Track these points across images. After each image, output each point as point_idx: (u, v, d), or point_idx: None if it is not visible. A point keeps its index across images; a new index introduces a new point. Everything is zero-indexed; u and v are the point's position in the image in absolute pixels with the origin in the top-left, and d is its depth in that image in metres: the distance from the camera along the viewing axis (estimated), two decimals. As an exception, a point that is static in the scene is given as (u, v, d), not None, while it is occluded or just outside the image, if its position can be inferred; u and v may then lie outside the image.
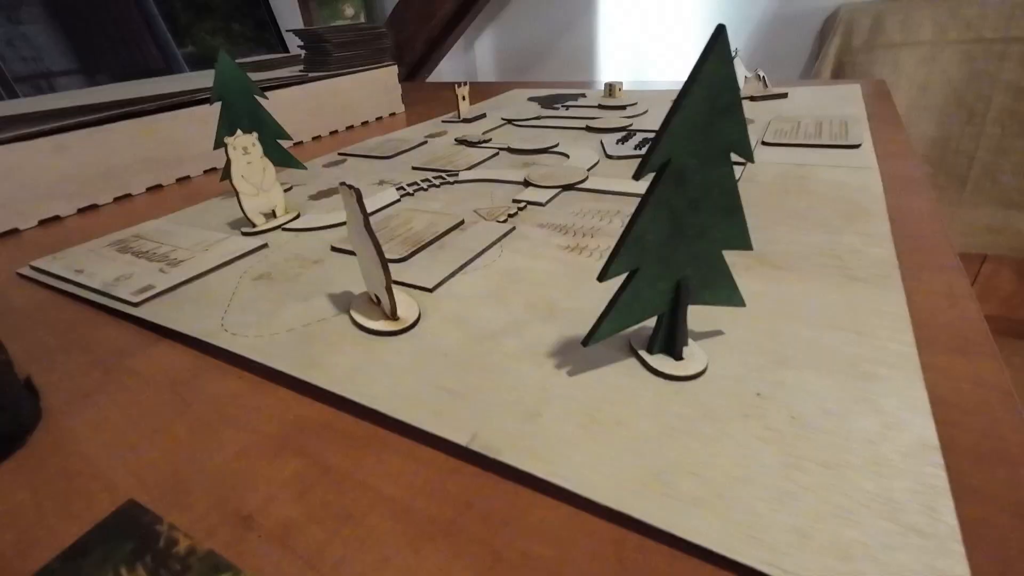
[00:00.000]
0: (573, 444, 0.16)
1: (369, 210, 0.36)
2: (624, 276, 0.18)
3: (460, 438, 0.17)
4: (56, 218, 0.44)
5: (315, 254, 0.31)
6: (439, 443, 0.17)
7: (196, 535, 0.15)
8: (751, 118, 0.53)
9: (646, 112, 0.60)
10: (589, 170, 0.41)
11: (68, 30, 1.21)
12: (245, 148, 0.34)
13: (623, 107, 0.63)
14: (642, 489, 0.15)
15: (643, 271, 0.17)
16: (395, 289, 0.25)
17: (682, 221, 0.17)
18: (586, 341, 0.18)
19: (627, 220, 0.31)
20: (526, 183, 0.39)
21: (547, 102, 0.71)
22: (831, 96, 0.58)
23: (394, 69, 0.74)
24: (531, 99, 0.75)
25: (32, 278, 0.33)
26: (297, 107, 0.62)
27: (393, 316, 0.23)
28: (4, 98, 1.09)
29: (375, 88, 0.72)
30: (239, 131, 0.34)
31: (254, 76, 0.69)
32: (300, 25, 1.33)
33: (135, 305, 0.27)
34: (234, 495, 0.16)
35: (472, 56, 1.75)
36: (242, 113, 0.40)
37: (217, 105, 0.39)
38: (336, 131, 0.67)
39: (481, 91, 0.87)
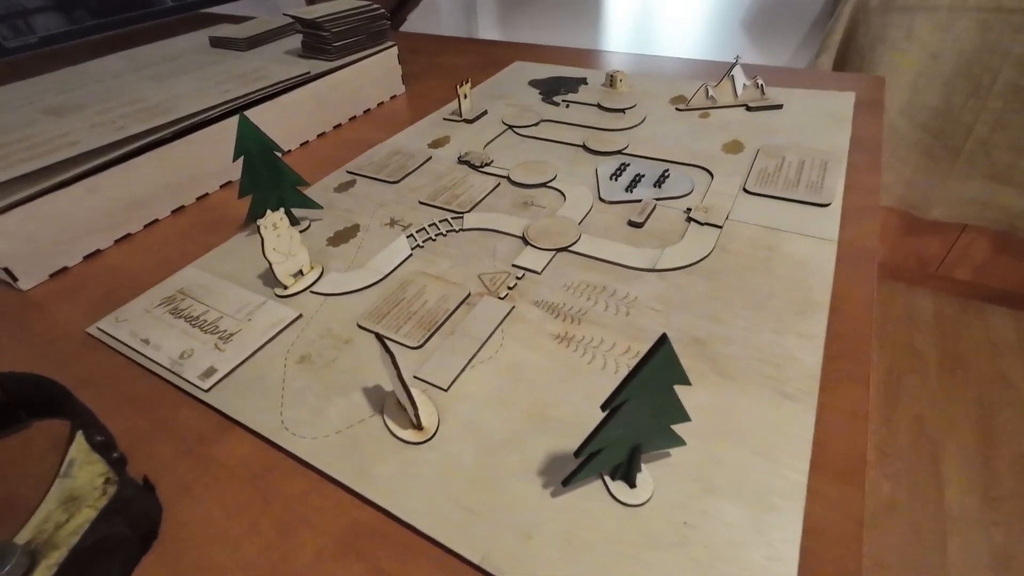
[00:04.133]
0: (556, 566, 0.24)
1: (385, 272, 0.41)
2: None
3: (475, 557, 0.24)
4: (97, 252, 0.48)
5: (344, 330, 0.37)
6: (461, 555, 0.24)
7: (302, 629, 0.22)
8: (742, 141, 0.55)
9: (643, 121, 0.61)
10: (581, 222, 0.45)
11: (39, -36, 1.13)
12: (274, 224, 0.38)
13: (622, 111, 0.64)
14: (597, 607, 0.22)
15: (606, 449, 0.23)
16: (416, 388, 0.31)
17: (636, 420, 0.23)
18: (566, 483, 0.25)
19: (610, 298, 0.36)
20: (525, 241, 0.43)
21: (548, 92, 0.72)
22: (823, 111, 0.60)
23: (394, 51, 0.73)
24: (532, 83, 0.75)
25: (101, 339, 0.38)
26: (301, 107, 0.63)
27: (418, 427, 0.29)
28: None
29: (376, 74, 0.71)
30: (268, 211, 0.37)
31: (250, 54, 0.69)
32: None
33: (206, 391, 0.33)
34: (320, 593, 0.24)
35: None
36: (261, 165, 0.44)
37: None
38: (339, 124, 0.69)
39: (482, 57, 0.85)
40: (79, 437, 0.26)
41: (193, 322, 0.38)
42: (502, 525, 0.25)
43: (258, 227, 0.37)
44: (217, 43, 0.77)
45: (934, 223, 1.16)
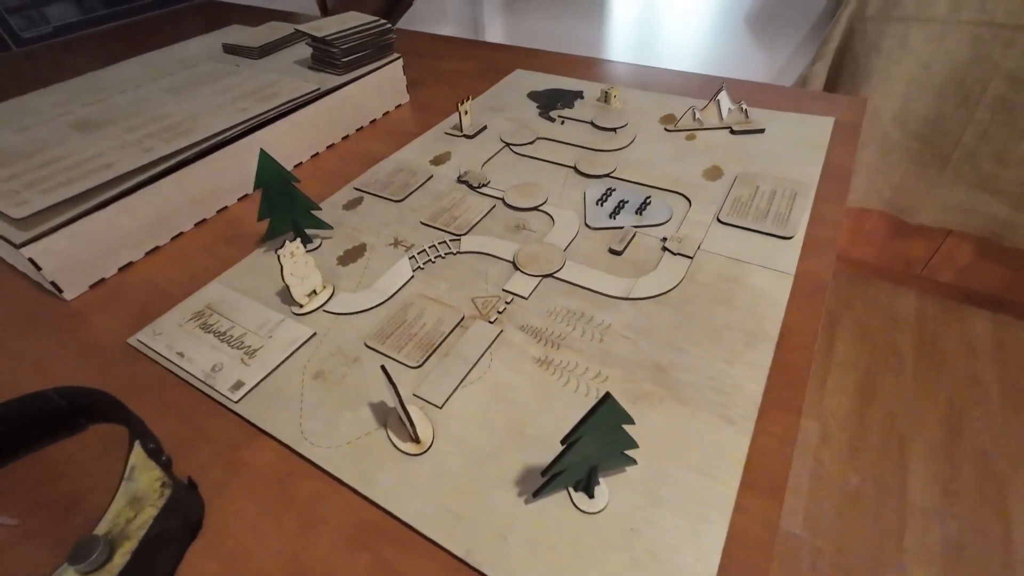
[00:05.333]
0: (525, 562, 0.29)
1: (389, 293, 0.46)
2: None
3: (460, 552, 0.30)
4: (130, 264, 0.53)
5: (353, 348, 0.42)
6: (449, 550, 0.30)
7: (321, 606, 0.28)
8: (722, 167, 0.60)
9: (633, 142, 0.65)
10: (567, 248, 0.50)
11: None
12: (292, 252, 0.43)
13: (613, 130, 0.68)
14: (555, 595, 0.28)
15: (568, 471, 0.29)
16: (413, 406, 0.37)
17: (591, 449, 0.28)
18: (536, 494, 0.30)
19: (587, 324, 0.41)
20: (514, 266, 0.48)
21: (545, 105, 0.75)
22: (802, 137, 0.63)
23: (399, 63, 0.76)
24: (530, 95, 0.79)
25: (140, 350, 0.44)
26: (312, 122, 0.67)
27: (416, 440, 0.35)
28: (3, 38, 1.08)
29: (382, 85, 0.75)
30: (286, 241, 0.42)
31: (262, 63, 0.72)
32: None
33: (235, 403, 0.38)
34: (335, 578, 0.30)
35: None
36: (278, 193, 0.48)
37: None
38: (347, 136, 0.73)
39: (483, 63, 0.88)
40: (137, 446, 0.32)
41: (221, 337, 0.43)
42: (483, 527, 0.31)
43: (278, 256, 0.42)
44: (230, 50, 0.80)
45: (920, 227, 1.20)
